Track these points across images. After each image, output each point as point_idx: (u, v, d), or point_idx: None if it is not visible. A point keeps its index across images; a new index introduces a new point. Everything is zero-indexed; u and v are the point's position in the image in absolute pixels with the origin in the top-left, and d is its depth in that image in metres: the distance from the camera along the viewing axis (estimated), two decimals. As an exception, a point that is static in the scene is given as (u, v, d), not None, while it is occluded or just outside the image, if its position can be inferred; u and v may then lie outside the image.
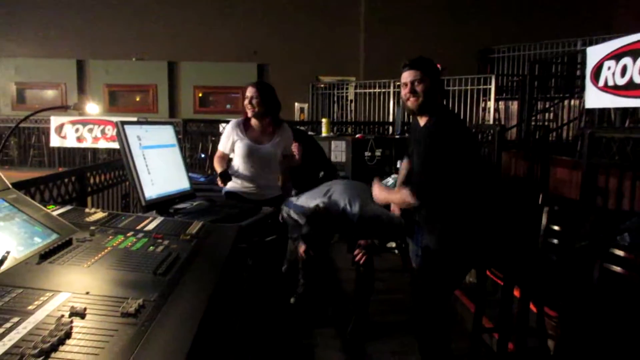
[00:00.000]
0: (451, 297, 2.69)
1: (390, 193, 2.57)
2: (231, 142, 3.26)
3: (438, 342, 2.51)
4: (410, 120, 3.23)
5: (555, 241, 2.99)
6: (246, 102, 3.21)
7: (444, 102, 2.69)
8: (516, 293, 2.80)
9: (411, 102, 2.39)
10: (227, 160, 3.33)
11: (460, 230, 2.38)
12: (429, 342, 2.54)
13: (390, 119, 8.89)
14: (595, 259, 2.46)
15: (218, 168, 3.19)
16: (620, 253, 2.38)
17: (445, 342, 2.52)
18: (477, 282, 3.00)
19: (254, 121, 3.27)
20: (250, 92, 3.21)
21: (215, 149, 9.60)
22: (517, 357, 2.82)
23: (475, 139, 2.46)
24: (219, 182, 3.06)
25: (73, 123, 10.23)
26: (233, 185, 3.26)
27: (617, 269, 2.36)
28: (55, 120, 10.24)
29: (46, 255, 1.29)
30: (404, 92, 2.41)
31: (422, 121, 2.44)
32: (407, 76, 2.39)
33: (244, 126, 3.28)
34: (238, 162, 3.26)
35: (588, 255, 2.58)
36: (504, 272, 2.84)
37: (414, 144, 2.53)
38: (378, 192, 2.58)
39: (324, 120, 6.96)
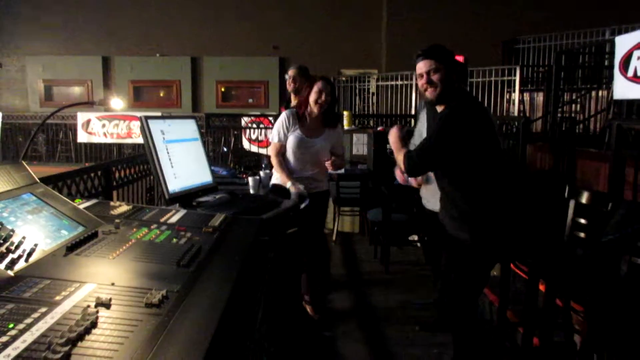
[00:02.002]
0: (480, 294, 2.66)
1: (398, 149, 2.52)
2: (284, 132, 3.25)
3: (471, 337, 2.50)
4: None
5: (582, 235, 2.94)
6: (314, 96, 3.17)
7: (467, 89, 2.66)
8: (541, 287, 2.76)
9: (429, 93, 2.38)
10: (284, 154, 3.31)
11: (492, 225, 2.36)
12: (463, 338, 2.53)
13: (412, 112, 8.82)
14: (623, 253, 2.41)
15: (285, 173, 3.19)
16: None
17: (478, 337, 2.51)
18: (501, 275, 2.97)
19: (308, 114, 3.26)
20: (320, 86, 3.18)
21: (237, 142, 9.65)
22: (542, 352, 2.79)
23: (495, 129, 2.43)
24: (295, 188, 3.04)
25: (99, 119, 10.42)
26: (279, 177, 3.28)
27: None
28: (81, 117, 10.44)
29: (73, 247, 1.32)
30: (421, 83, 2.40)
31: (440, 108, 2.42)
32: (422, 67, 2.38)
33: (297, 118, 3.26)
34: (288, 154, 3.28)
35: (615, 249, 2.53)
36: (529, 265, 2.81)
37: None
38: (393, 138, 2.56)
39: (345, 113, 6.94)
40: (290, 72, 3.90)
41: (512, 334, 3.17)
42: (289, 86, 3.90)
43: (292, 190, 3.01)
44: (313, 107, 3.20)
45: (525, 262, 2.90)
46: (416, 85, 8.67)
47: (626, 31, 6.26)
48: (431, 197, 2.98)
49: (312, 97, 3.18)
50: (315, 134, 3.26)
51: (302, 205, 2.81)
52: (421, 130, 3.12)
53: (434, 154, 2.33)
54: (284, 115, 3.28)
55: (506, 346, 3.01)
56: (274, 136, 3.29)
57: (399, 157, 2.47)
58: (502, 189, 2.39)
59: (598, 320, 2.31)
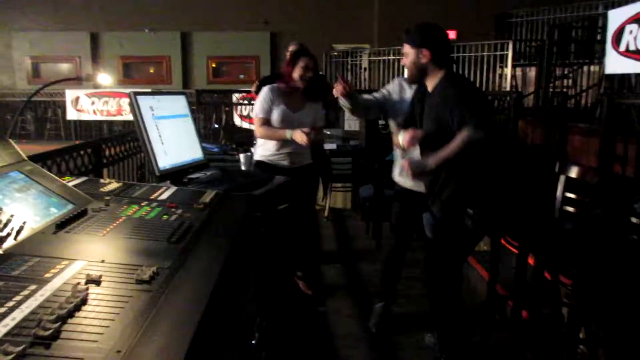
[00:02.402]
0: (463, 265, 2.69)
1: (444, 150, 2.30)
2: (268, 107, 3.23)
3: (452, 312, 2.54)
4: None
5: (571, 209, 2.96)
6: (299, 72, 3.17)
7: (453, 69, 2.64)
8: (530, 261, 2.79)
9: (408, 75, 2.47)
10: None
11: (468, 198, 2.38)
12: (443, 312, 2.57)
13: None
14: (612, 227, 2.44)
15: (278, 131, 3.18)
16: (637, 221, 2.35)
17: (460, 311, 2.55)
18: (491, 250, 3.00)
19: (290, 88, 3.23)
20: (305, 61, 3.18)
21: (228, 119, 9.58)
22: (530, 324, 2.84)
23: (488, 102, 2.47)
24: (303, 139, 3.04)
25: (89, 96, 10.30)
26: (263, 153, 3.28)
27: (634, 237, 2.34)
28: (70, 94, 10.31)
29: (62, 224, 1.31)
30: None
31: (431, 85, 2.42)
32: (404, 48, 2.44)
33: (280, 93, 3.25)
34: None
35: (604, 224, 2.56)
36: (519, 240, 2.84)
37: (426, 111, 2.48)
38: (429, 163, 2.36)
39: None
40: (291, 48, 3.87)
41: (501, 307, 3.22)
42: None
43: (297, 138, 3.05)
44: (297, 83, 3.19)
45: (515, 237, 2.93)
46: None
47: (619, 5, 6.22)
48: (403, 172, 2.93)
49: (297, 73, 3.17)
50: (298, 108, 3.26)
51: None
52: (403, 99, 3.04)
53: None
54: (266, 90, 3.26)
55: (496, 319, 3.06)
56: (258, 112, 3.26)
57: (456, 144, 2.24)
58: (483, 162, 2.40)
59: (585, 293, 2.34)
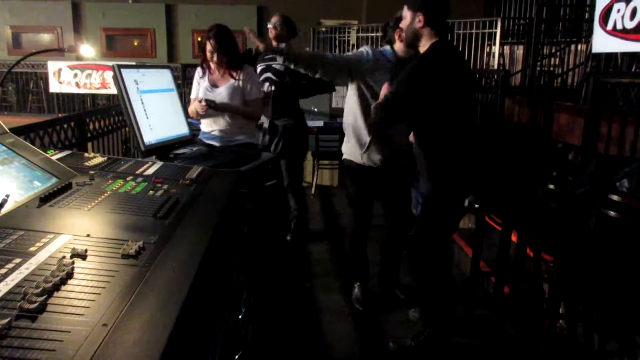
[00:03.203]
0: (447, 242, 2.72)
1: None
2: (196, 86, 3.21)
3: (438, 288, 2.57)
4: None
5: (555, 187, 3.00)
6: (208, 47, 3.08)
7: (447, 38, 2.63)
8: (514, 238, 2.83)
9: (399, 38, 2.45)
10: None
11: (453, 176, 2.39)
12: (428, 288, 2.61)
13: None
14: (593, 205, 2.48)
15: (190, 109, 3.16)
16: (618, 199, 2.39)
17: (445, 288, 2.58)
18: (475, 227, 3.03)
19: (212, 64, 3.14)
20: (209, 46, 3.08)
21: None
22: (512, 300, 2.90)
23: (469, 81, 2.46)
24: (198, 109, 3.02)
25: (71, 68, 10.09)
26: (202, 133, 3.21)
27: (614, 214, 2.38)
28: (52, 65, 10.08)
29: (46, 198, 1.30)
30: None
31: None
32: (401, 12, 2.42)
33: (205, 69, 3.19)
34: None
35: (586, 202, 2.60)
36: (503, 217, 2.87)
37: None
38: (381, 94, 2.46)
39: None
40: (273, 19, 3.81)
41: (484, 283, 3.28)
42: (270, 33, 3.81)
43: (191, 110, 3.05)
44: (210, 59, 3.11)
45: (499, 214, 2.97)
46: (397, 36, 8.54)
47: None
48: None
49: (207, 48, 3.09)
50: (220, 83, 3.14)
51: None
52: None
53: (398, 105, 2.28)
54: (197, 69, 3.22)
55: (479, 295, 3.11)
56: (192, 92, 3.25)
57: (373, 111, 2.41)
58: (466, 140, 2.41)
59: (566, 269, 2.39)
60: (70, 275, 0.93)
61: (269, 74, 3.77)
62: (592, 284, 2.35)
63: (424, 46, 2.35)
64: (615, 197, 2.40)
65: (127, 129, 3.96)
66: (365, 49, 2.82)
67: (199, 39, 11.47)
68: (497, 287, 2.90)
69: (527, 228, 2.70)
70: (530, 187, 3.09)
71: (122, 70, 2.08)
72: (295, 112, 3.87)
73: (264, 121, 3.77)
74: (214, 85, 3.13)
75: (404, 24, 2.37)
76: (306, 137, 4.05)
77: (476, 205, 2.66)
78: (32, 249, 1.02)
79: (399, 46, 2.75)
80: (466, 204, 2.52)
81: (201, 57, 3.22)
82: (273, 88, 3.74)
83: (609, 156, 3.65)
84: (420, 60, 2.33)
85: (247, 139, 3.16)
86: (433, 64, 2.28)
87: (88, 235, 1.13)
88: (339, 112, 6.11)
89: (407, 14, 2.35)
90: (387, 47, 2.84)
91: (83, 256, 1.01)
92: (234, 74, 3.11)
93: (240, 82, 3.11)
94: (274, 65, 3.76)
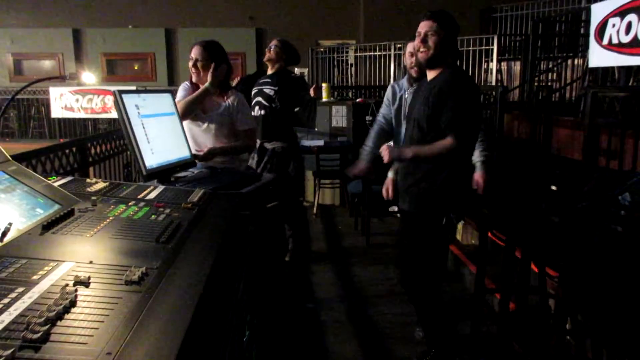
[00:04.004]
0: (439, 263, 2.68)
1: (424, 148, 2.38)
2: None
3: (434, 309, 2.56)
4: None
5: (557, 202, 3.00)
6: (190, 64, 2.76)
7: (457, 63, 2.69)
8: (518, 254, 2.82)
9: (421, 54, 2.38)
10: None
11: (442, 195, 2.40)
12: (424, 310, 2.59)
13: (391, 82, 8.78)
14: (597, 219, 2.47)
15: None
16: (621, 212, 2.38)
17: (442, 307, 2.57)
18: (479, 243, 3.02)
19: (196, 86, 2.81)
20: (194, 52, 2.74)
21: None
22: (518, 316, 2.87)
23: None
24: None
25: (73, 93, 10.17)
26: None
27: (618, 228, 2.37)
28: (54, 91, 10.18)
29: (49, 225, 1.30)
30: (416, 42, 2.40)
31: (431, 75, 2.43)
32: (422, 26, 2.39)
33: (192, 91, 2.80)
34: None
35: (590, 216, 2.59)
36: (506, 233, 2.86)
37: (416, 103, 2.50)
38: (406, 154, 2.45)
39: (324, 85, 6.89)
40: (271, 43, 3.86)
41: (489, 300, 3.25)
42: (266, 55, 3.86)
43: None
44: (201, 81, 2.78)
45: (502, 230, 2.96)
46: (395, 55, 8.63)
47: (602, -1, 6.27)
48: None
49: (189, 65, 2.79)
50: (208, 107, 2.77)
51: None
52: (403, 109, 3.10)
53: (469, 126, 2.31)
54: (180, 89, 2.84)
55: (484, 312, 3.08)
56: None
57: (436, 148, 2.32)
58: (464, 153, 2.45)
59: (572, 284, 2.37)
60: (73, 303, 0.92)
61: (259, 98, 3.81)
62: (599, 299, 2.33)
63: (438, 69, 2.38)
64: (620, 211, 2.39)
65: (128, 152, 3.97)
66: (386, 97, 3.12)
67: (199, 62, 11.57)
68: (503, 304, 2.87)
69: (531, 244, 2.69)
70: (533, 202, 3.09)
71: (123, 95, 2.09)
72: (287, 135, 3.89)
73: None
74: (202, 110, 2.77)
75: (434, 40, 2.35)
76: (299, 160, 4.04)
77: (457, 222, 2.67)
78: (35, 277, 1.02)
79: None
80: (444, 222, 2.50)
81: (189, 77, 2.88)
82: (263, 112, 3.77)
83: (610, 170, 3.66)
84: (461, 78, 2.39)
85: (227, 165, 2.73)
86: (471, 79, 2.34)
87: (91, 262, 1.12)
88: (339, 131, 6.14)
89: (440, 31, 2.35)
90: (404, 79, 3.04)
91: (86, 283, 1.01)
92: (224, 97, 2.80)
93: (230, 108, 2.78)
94: (265, 90, 3.80)
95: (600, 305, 2.35)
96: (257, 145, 3.76)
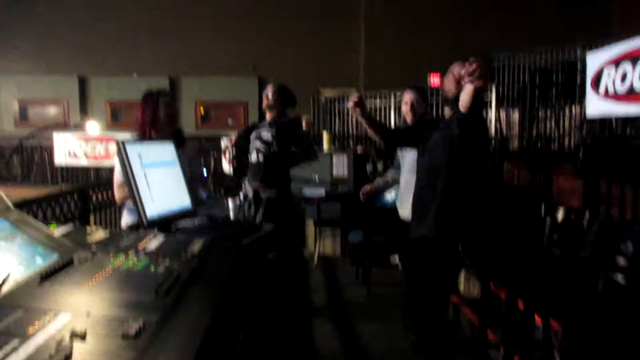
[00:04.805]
0: (445, 291, 2.72)
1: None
2: None
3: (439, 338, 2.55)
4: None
5: (559, 251, 2.98)
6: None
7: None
8: (520, 305, 2.78)
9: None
10: None
11: (457, 220, 2.45)
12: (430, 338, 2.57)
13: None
14: (599, 269, 2.45)
15: None
16: (623, 262, 2.36)
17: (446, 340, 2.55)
18: (481, 295, 2.98)
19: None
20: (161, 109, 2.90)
21: (217, 165, 9.58)
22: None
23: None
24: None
25: (77, 140, 10.28)
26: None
27: (620, 279, 2.35)
28: (58, 138, 10.29)
29: (47, 275, 1.29)
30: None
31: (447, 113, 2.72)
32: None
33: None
34: None
35: (592, 266, 2.57)
36: (507, 284, 2.83)
37: (434, 138, 2.65)
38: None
39: (325, 135, 6.97)
40: (267, 89, 3.92)
41: (494, 353, 3.17)
42: (264, 102, 3.92)
43: None
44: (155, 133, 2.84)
45: (503, 281, 2.93)
46: (395, 105, 8.77)
47: (596, 47, 6.42)
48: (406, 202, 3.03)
49: (161, 112, 2.95)
50: None
51: None
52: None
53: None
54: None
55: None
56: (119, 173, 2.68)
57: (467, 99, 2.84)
58: (478, 192, 2.51)
59: (576, 336, 2.33)
60: (68, 358, 0.91)
61: (257, 143, 3.83)
62: (605, 350, 2.29)
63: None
64: (622, 261, 2.38)
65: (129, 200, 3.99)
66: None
67: (202, 110, 11.77)
68: (507, 356, 2.81)
69: (533, 294, 2.65)
70: (533, 252, 3.07)
71: (126, 145, 2.12)
72: (281, 183, 3.87)
73: (249, 192, 3.80)
74: None
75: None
76: (291, 209, 4.03)
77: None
78: (30, 330, 1.01)
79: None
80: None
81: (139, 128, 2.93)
82: (262, 159, 3.79)
83: (611, 218, 3.65)
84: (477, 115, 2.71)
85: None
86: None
87: (88, 314, 1.11)
88: (339, 180, 6.16)
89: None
90: None
91: (82, 336, 1.00)
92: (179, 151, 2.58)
93: (183, 158, 2.62)
94: (263, 135, 3.83)
95: (606, 356, 2.30)
96: (251, 194, 3.77)
